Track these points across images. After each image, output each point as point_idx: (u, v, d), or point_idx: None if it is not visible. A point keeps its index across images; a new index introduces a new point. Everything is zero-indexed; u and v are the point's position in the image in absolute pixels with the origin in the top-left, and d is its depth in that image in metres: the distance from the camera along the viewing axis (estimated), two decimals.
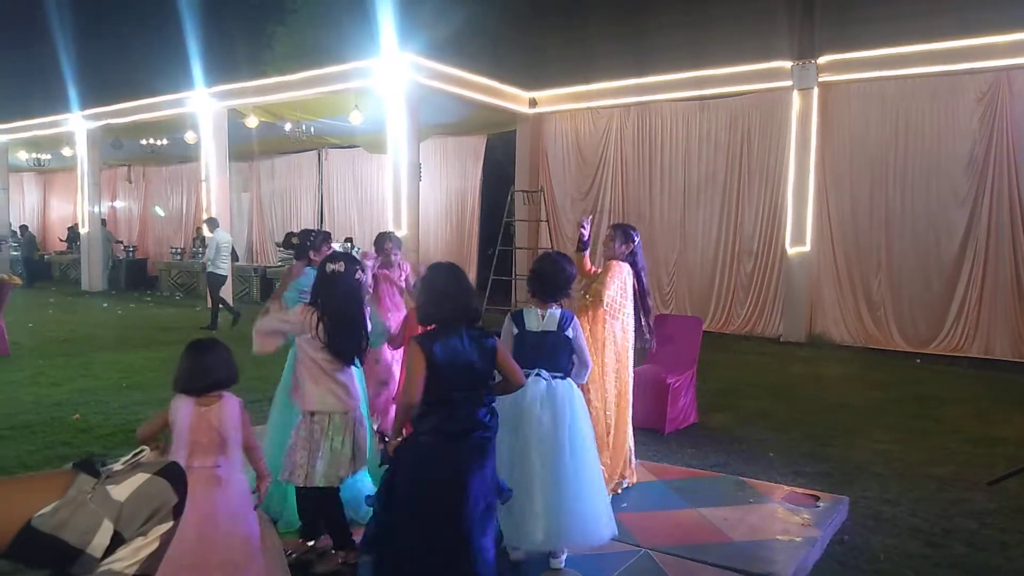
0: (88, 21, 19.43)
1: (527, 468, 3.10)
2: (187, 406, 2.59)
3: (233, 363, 2.71)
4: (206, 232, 11.57)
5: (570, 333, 3.28)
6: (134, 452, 1.04)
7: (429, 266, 2.86)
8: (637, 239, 4.25)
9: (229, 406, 2.64)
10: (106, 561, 0.87)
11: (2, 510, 0.87)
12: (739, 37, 10.51)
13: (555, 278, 3.34)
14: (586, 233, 4.29)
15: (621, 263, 4.13)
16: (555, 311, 3.28)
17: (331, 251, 4.04)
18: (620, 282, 4.06)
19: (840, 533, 3.76)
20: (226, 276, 10.98)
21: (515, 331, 3.27)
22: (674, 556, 3.33)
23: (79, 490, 0.89)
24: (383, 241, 4.71)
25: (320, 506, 3.25)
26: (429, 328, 2.68)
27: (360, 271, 3.23)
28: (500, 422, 2.74)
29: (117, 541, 0.89)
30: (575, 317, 3.35)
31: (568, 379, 3.27)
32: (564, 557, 3.25)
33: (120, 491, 0.91)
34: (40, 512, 0.87)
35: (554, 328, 3.25)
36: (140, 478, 0.93)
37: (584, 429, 3.24)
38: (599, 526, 3.15)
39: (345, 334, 3.14)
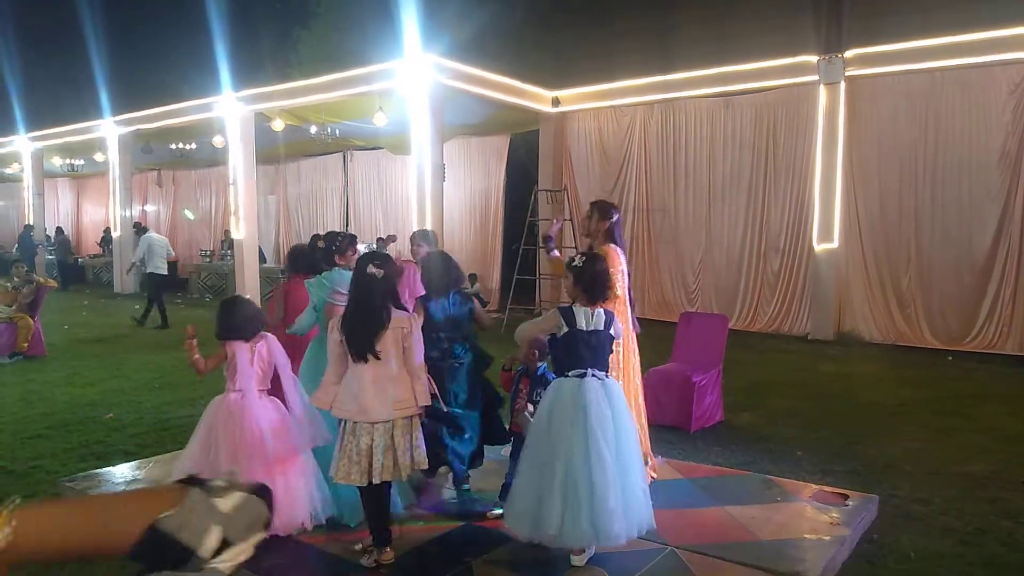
0: (119, 29, 19.86)
1: (577, 462, 3.10)
2: (242, 347, 3.50)
3: (260, 312, 3.73)
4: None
5: (613, 332, 3.37)
6: (228, 473, 1.25)
7: (425, 255, 4.12)
8: (616, 216, 4.23)
9: (272, 343, 3.60)
10: (212, 562, 1.01)
11: (135, 513, 1.03)
12: (764, 32, 10.39)
13: (602, 278, 3.39)
14: (553, 233, 4.43)
15: (616, 249, 4.14)
16: (601, 310, 3.34)
17: (356, 253, 4.11)
18: (623, 269, 4.10)
19: (869, 532, 3.71)
20: (166, 275, 11.74)
21: (565, 328, 3.29)
22: (701, 554, 3.32)
23: (193, 500, 1.04)
24: (414, 238, 5.04)
25: (364, 501, 3.31)
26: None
27: (373, 266, 3.24)
28: (559, 417, 3.21)
29: (224, 546, 1.04)
30: (614, 314, 3.43)
31: (611, 377, 3.36)
32: (587, 555, 3.26)
33: (224, 504, 1.06)
34: (163, 515, 1.02)
35: (602, 327, 3.31)
36: (240, 495, 1.08)
37: (632, 426, 3.32)
38: (642, 516, 3.18)
39: (352, 327, 3.21)
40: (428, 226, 10.59)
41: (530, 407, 3.64)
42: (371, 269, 3.22)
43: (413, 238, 5.03)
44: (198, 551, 1.01)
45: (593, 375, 3.24)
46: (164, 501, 1.04)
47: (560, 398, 3.23)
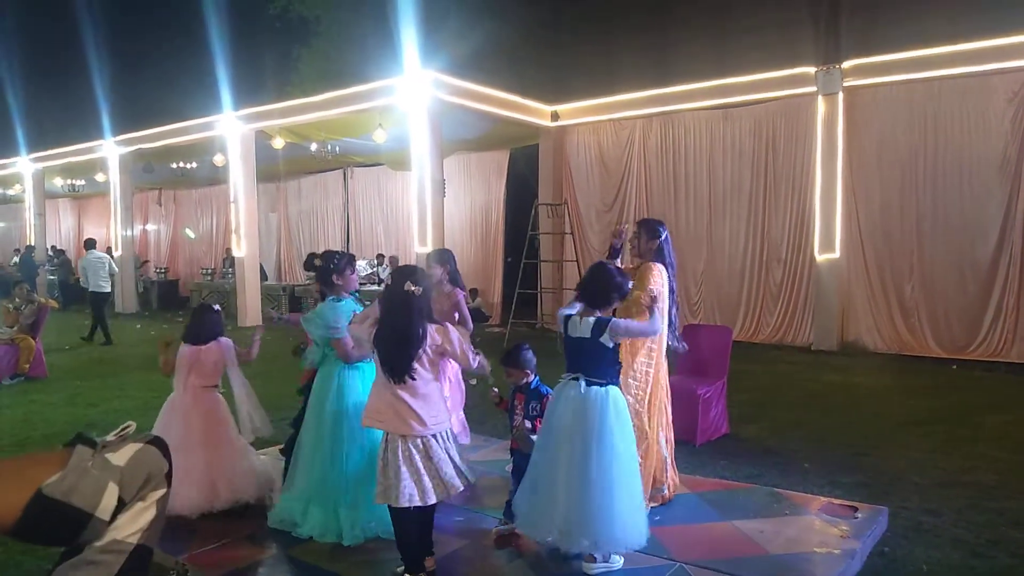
0: (120, 51, 20.00)
1: (554, 468, 3.23)
2: (190, 349, 4.18)
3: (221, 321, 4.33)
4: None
5: (605, 341, 3.25)
6: (122, 427, 1.09)
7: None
8: (664, 233, 4.17)
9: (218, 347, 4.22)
10: (111, 527, 0.90)
11: (12, 483, 0.90)
12: (762, 45, 10.46)
13: (601, 287, 3.38)
14: (618, 242, 4.25)
15: (657, 266, 4.08)
16: (591, 319, 3.30)
17: (355, 274, 4.05)
18: (661, 284, 4.02)
19: (880, 544, 3.67)
20: (109, 293, 11.88)
21: (562, 332, 3.41)
22: (709, 570, 3.27)
23: (81, 458, 0.94)
24: (428, 258, 5.04)
25: (396, 525, 3.19)
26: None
27: (411, 283, 3.10)
28: (546, 422, 3.37)
29: (120, 505, 0.92)
30: (612, 321, 3.30)
31: (609, 386, 3.27)
32: (599, 568, 3.23)
33: (118, 458, 0.96)
34: (48, 481, 0.90)
35: (587, 335, 3.28)
36: (134, 447, 0.99)
37: (616, 437, 3.22)
38: (625, 533, 3.17)
39: (386, 349, 3.11)
40: (429, 241, 10.60)
41: (527, 423, 3.62)
42: (409, 286, 3.06)
43: (427, 259, 4.95)
44: (95, 513, 0.91)
45: (576, 379, 3.28)
46: (47, 465, 0.92)
47: (552, 400, 3.42)
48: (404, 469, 3.05)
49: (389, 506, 3.11)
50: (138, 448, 0.98)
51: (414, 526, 3.17)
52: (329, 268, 3.83)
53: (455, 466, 3.17)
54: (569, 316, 3.37)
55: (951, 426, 6.01)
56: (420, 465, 3.08)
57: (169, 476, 1.00)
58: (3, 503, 0.89)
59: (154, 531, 0.96)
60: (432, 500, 3.09)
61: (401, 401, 3.07)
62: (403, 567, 3.23)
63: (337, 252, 4.02)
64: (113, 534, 0.92)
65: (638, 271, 4.08)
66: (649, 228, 4.18)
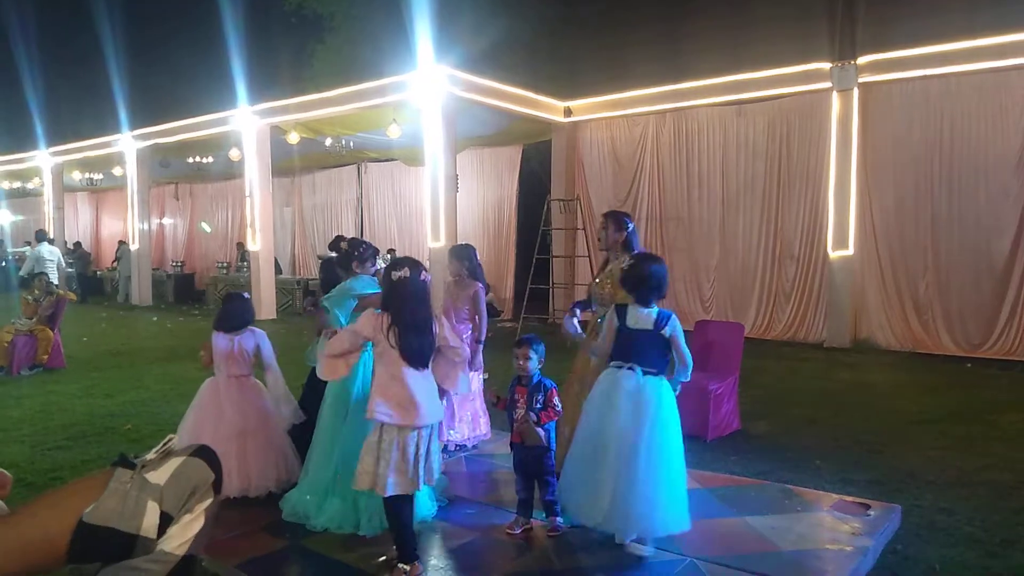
0: (137, 45, 20.18)
1: (604, 454, 3.33)
2: (222, 338, 4.21)
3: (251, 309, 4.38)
4: (34, 246, 11.89)
5: (666, 332, 3.43)
6: (163, 442, 1.11)
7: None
8: (631, 225, 4.20)
9: (252, 336, 4.26)
10: (161, 540, 0.91)
11: (54, 515, 0.93)
12: (776, 40, 10.38)
13: (657, 280, 3.50)
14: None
15: None
16: (652, 310, 3.46)
17: (375, 267, 4.09)
18: None
19: (893, 543, 3.66)
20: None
21: (616, 324, 3.50)
22: (721, 565, 3.28)
23: (119, 482, 0.95)
24: (450, 253, 5.14)
25: (389, 514, 3.24)
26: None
27: (424, 272, 3.25)
28: (593, 407, 3.47)
29: (166, 520, 0.94)
30: (673, 316, 3.48)
31: (661, 376, 3.44)
32: (648, 550, 3.37)
33: (158, 476, 0.97)
34: (88, 509, 0.92)
35: (650, 327, 3.43)
36: (176, 462, 1.00)
37: (671, 426, 3.39)
38: (667, 518, 3.31)
39: (416, 338, 3.17)
40: (442, 236, 10.64)
41: (532, 415, 3.61)
42: (424, 275, 3.24)
43: (448, 254, 5.02)
44: (139, 533, 0.92)
45: (631, 369, 3.40)
46: (86, 492, 0.95)
47: (602, 387, 3.48)
48: (396, 459, 3.12)
49: (392, 496, 3.16)
50: (180, 462, 1.00)
51: (409, 512, 3.26)
52: (352, 254, 4.00)
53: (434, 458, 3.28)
54: (625, 307, 3.49)
55: (966, 424, 5.98)
56: (412, 455, 3.14)
57: (217, 485, 1.01)
58: (50, 537, 0.90)
59: (201, 539, 0.99)
60: (416, 489, 3.19)
61: (411, 391, 3.14)
62: (387, 557, 3.31)
63: (364, 242, 4.15)
64: (162, 545, 0.94)
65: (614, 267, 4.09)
66: (616, 220, 4.19)
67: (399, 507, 3.19)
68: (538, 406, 3.64)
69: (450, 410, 4.82)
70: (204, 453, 1.01)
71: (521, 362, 3.72)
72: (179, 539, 0.94)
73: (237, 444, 4.03)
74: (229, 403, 4.14)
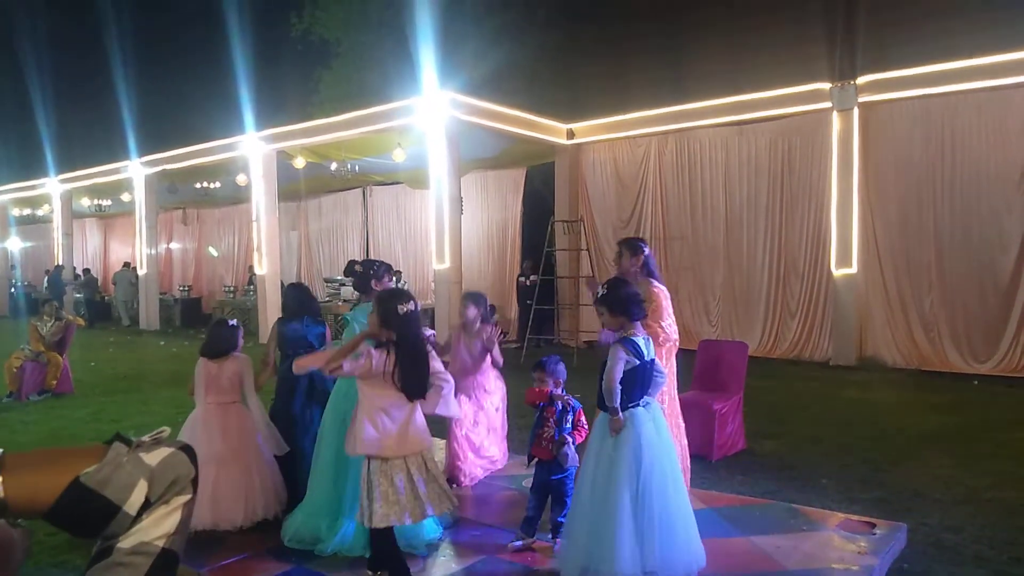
0: (146, 73, 20.51)
1: (619, 491, 3.11)
2: (207, 364, 4.19)
3: (236, 336, 4.29)
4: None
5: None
6: (157, 431, 1.17)
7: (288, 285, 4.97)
8: (647, 250, 4.19)
9: (235, 363, 4.22)
10: (136, 527, 0.98)
11: (53, 470, 0.98)
12: (777, 61, 10.51)
13: (637, 295, 3.41)
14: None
15: (661, 288, 4.12)
16: (647, 339, 3.34)
17: (391, 281, 4.16)
18: (669, 309, 4.07)
19: (899, 562, 3.65)
20: None
21: (637, 362, 3.23)
22: None
23: (117, 453, 1.01)
24: (464, 298, 5.06)
25: (372, 543, 3.27)
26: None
27: (414, 303, 3.26)
28: (609, 444, 3.22)
29: (146, 505, 1.00)
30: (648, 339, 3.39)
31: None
32: None
33: (151, 458, 1.04)
34: (86, 470, 0.97)
35: (653, 356, 3.35)
36: (166, 450, 1.07)
37: (675, 459, 3.33)
38: (690, 555, 3.21)
39: (416, 370, 3.19)
40: (447, 258, 10.71)
41: (568, 439, 3.58)
42: (414, 306, 3.22)
43: (463, 300, 5.01)
44: (123, 506, 0.97)
45: (647, 406, 3.28)
46: (85, 456, 0.99)
47: (649, 429, 3.22)
48: (384, 489, 3.11)
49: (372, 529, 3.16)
50: (169, 452, 1.07)
51: (391, 541, 3.25)
52: (369, 275, 4.07)
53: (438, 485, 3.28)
54: (634, 341, 3.24)
55: (972, 442, 5.95)
56: (401, 485, 3.13)
57: (195, 483, 1.07)
58: (43, 487, 0.95)
59: (180, 536, 1.04)
60: (411, 520, 3.17)
61: (408, 422, 3.16)
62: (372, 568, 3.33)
63: (376, 260, 4.23)
64: (140, 536, 0.99)
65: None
66: (631, 246, 4.18)
67: (381, 536, 3.20)
68: (567, 426, 3.64)
69: (472, 445, 4.82)
70: (189, 450, 1.09)
71: (539, 386, 3.74)
72: (156, 531, 1.00)
73: (234, 471, 3.98)
74: (205, 429, 4.08)
